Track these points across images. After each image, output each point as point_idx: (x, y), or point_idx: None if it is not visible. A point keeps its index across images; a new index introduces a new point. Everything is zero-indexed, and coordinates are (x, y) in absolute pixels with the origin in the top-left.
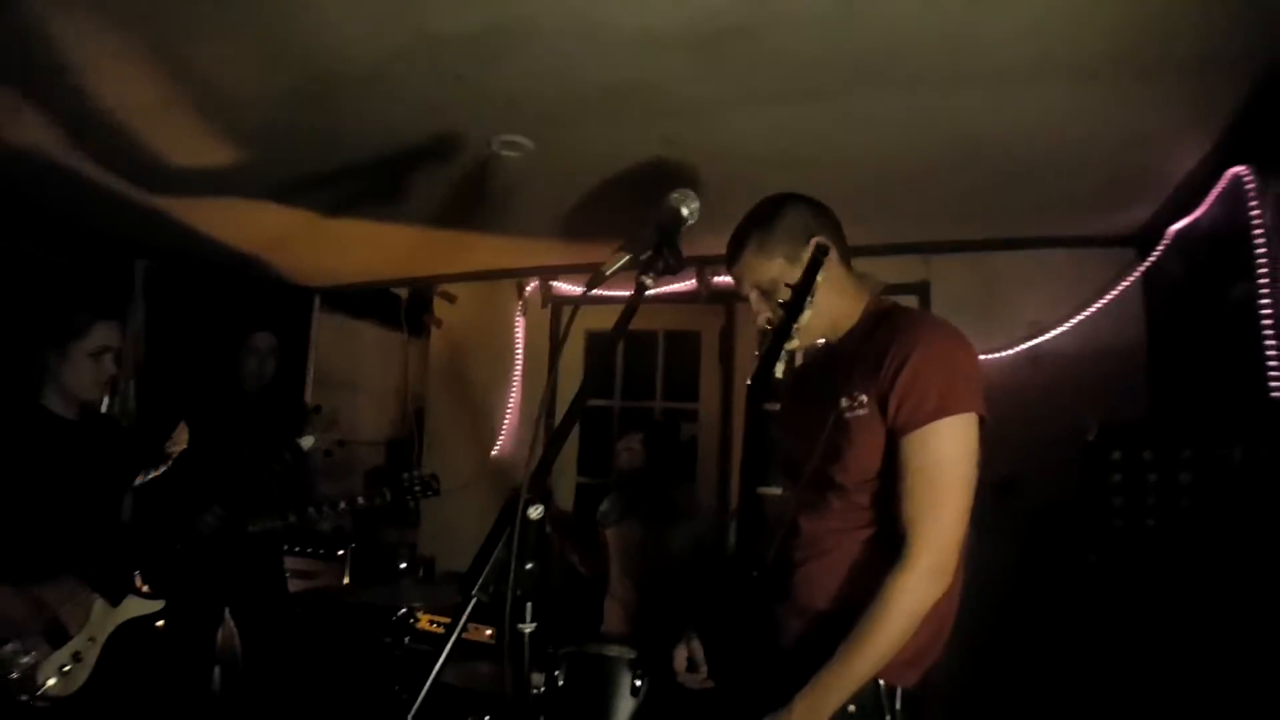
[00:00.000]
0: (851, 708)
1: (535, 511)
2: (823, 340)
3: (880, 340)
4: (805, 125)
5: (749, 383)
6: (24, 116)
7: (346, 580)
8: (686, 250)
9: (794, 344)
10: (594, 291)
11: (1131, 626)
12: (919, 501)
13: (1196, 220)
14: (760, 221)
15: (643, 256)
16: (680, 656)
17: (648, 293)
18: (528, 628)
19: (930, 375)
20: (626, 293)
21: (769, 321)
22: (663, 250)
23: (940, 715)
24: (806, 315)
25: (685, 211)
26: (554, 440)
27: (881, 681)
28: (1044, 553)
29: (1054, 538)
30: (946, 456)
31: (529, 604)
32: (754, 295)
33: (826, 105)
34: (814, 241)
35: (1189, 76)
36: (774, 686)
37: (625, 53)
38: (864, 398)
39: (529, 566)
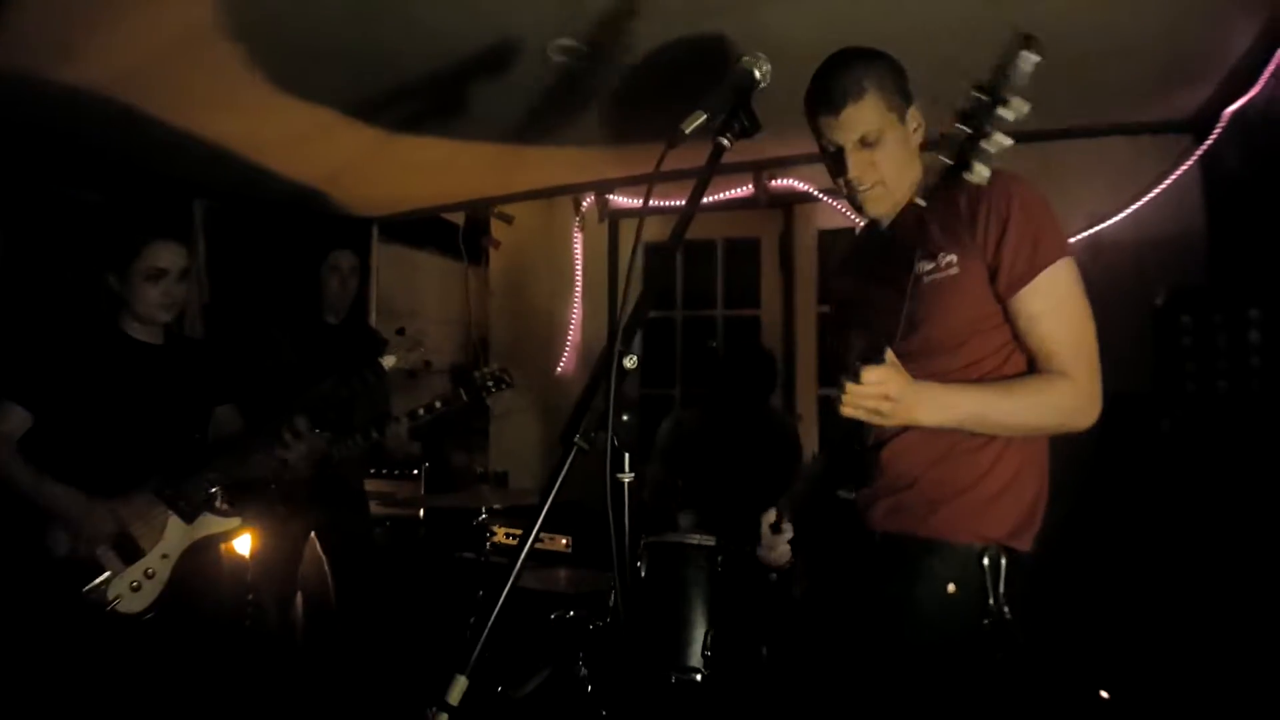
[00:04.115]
0: (951, 588)
1: (630, 361)
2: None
3: (962, 198)
4: (847, 11)
5: (919, 201)
6: (75, 53)
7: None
8: (740, 156)
9: (1001, 134)
10: (652, 202)
11: (1207, 492)
12: (1059, 338)
13: (1252, 101)
14: (875, 59)
15: (719, 117)
16: (768, 519)
17: (704, 200)
18: (626, 477)
19: (1036, 223)
20: (683, 202)
21: (859, 181)
22: (738, 111)
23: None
24: (1020, 105)
25: (758, 74)
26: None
27: (986, 560)
28: (1117, 443)
29: (1125, 429)
30: (1073, 293)
31: (626, 454)
32: (852, 148)
33: None
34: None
35: None
36: (862, 569)
37: None
38: (952, 257)
39: (625, 418)
